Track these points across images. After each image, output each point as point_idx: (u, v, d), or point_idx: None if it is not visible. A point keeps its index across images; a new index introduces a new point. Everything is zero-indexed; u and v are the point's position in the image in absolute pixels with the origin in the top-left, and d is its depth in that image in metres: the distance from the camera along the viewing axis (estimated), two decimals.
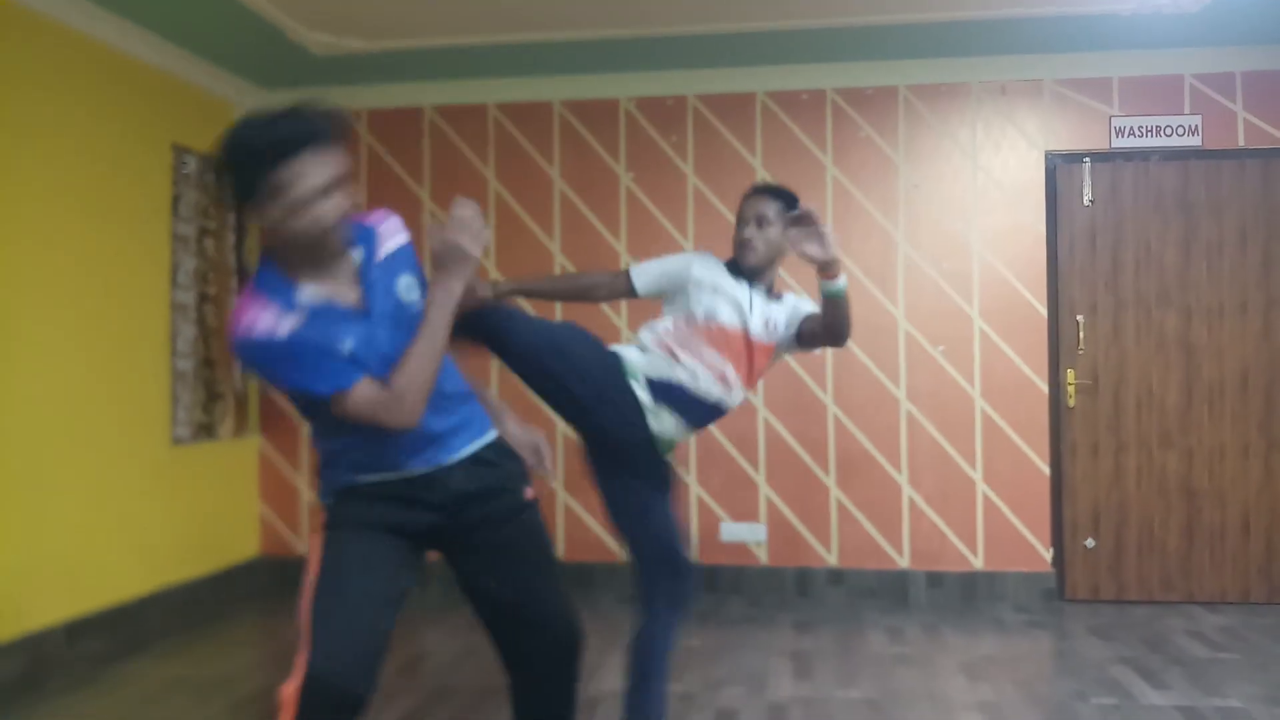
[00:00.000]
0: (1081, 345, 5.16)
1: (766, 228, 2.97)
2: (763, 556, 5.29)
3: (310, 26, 4.69)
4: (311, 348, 2.07)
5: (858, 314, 5.19)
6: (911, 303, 5.22)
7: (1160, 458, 5.12)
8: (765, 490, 5.28)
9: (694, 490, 5.32)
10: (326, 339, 2.07)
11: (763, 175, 5.32)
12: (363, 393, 2.08)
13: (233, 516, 5.42)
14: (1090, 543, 5.12)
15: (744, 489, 5.30)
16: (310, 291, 2.10)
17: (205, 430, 5.12)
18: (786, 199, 3.01)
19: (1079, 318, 5.16)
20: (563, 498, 5.34)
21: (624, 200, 5.42)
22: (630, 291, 3.02)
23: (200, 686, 3.92)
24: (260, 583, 5.47)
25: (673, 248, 5.36)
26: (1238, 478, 5.07)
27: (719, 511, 5.32)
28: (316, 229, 2.05)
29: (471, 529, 2.32)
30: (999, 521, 5.13)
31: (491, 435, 2.37)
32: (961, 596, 5.12)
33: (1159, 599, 5.08)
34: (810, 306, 3.07)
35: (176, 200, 4.92)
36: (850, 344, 5.19)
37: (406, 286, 2.21)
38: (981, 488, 5.15)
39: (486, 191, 5.49)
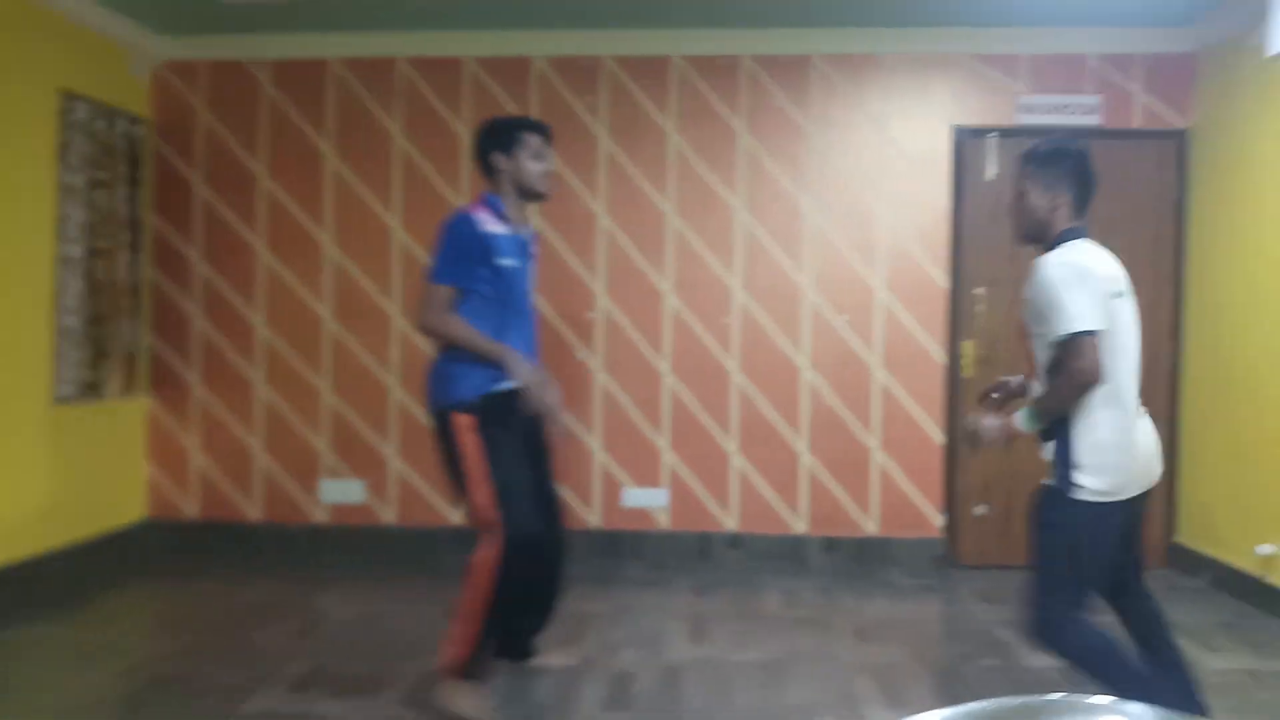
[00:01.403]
0: (980, 317, 5.27)
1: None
2: (664, 521, 5.32)
3: None
4: (486, 247, 3.20)
5: (765, 283, 5.25)
6: (817, 271, 5.27)
7: None
8: (668, 456, 5.31)
9: (598, 456, 5.32)
10: (504, 250, 3.24)
11: (676, 139, 5.30)
12: (445, 295, 3.20)
13: (119, 478, 5.25)
14: (980, 510, 5.26)
15: (647, 455, 5.31)
16: (513, 223, 3.32)
17: (91, 389, 4.94)
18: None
19: (978, 290, 5.27)
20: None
21: None
22: None
23: (83, 653, 3.80)
24: (148, 547, 5.32)
25: (585, 211, 5.32)
26: None
27: (622, 477, 5.33)
28: (539, 188, 3.35)
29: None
30: (894, 489, 5.24)
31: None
32: (856, 561, 5.23)
33: None
34: None
35: (64, 149, 4.70)
36: (755, 311, 5.25)
37: (534, 265, 3.47)
38: (878, 455, 5.25)
39: (391, 148, 5.37)
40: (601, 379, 5.33)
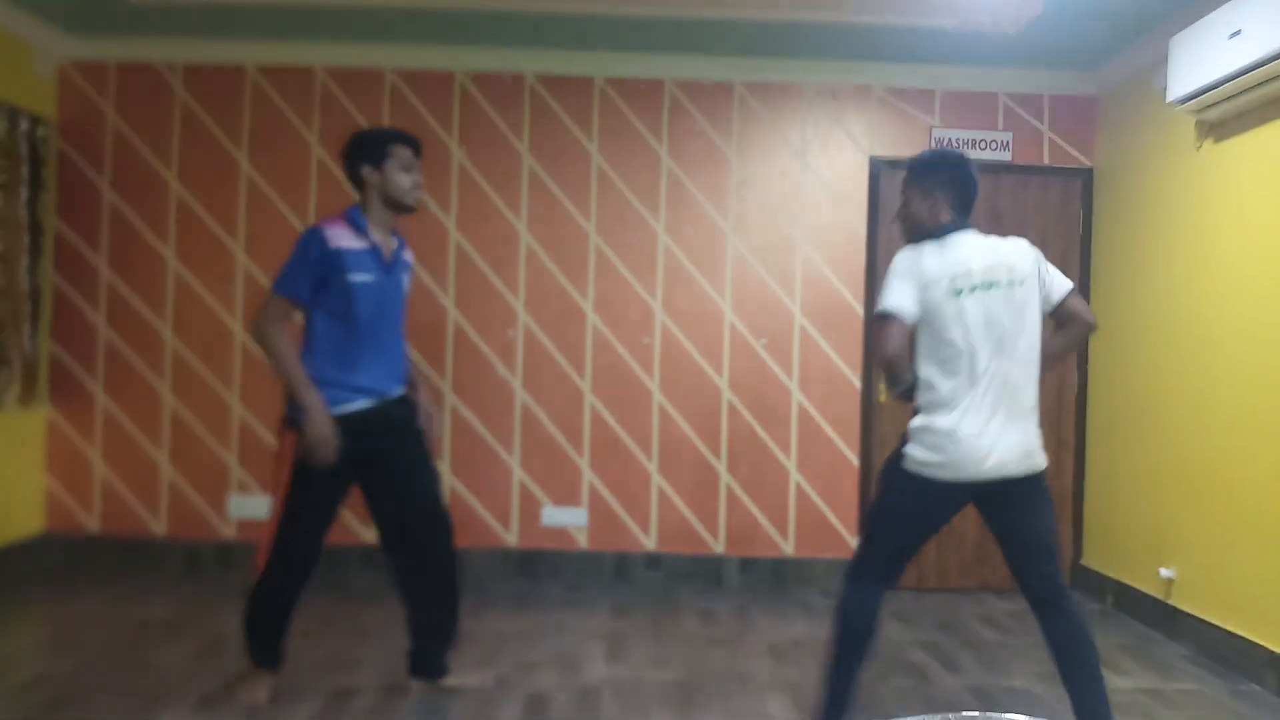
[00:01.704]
0: None
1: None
2: (583, 541, 5.30)
3: None
4: (331, 264, 3.16)
5: (686, 305, 5.29)
6: (737, 295, 5.33)
7: None
8: (588, 475, 5.29)
9: (516, 474, 5.28)
10: (354, 266, 3.19)
11: (598, 161, 5.32)
12: (284, 309, 3.23)
13: (15, 491, 5.03)
14: None
15: (567, 474, 5.29)
16: (374, 235, 3.27)
17: None
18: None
19: None
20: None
21: (455, 176, 5.31)
22: None
23: None
24: (46, 562, 5.10)
25: (503, 227, 5.30)
26: None
27: (541, 496, 5.29)
28: (407, 200, 3.30)
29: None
30: (810, 510, 5.31)
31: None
32: (772, 581, 5.28)
33: (955, 586, 5.36)
34: None
35: None
36: (676, 333, 5.28)
37: (406, 281, 3.43)
38: (795, 477, 5.31)
39: (309, 158, 5.28)
40: (521, 396, 5.30)
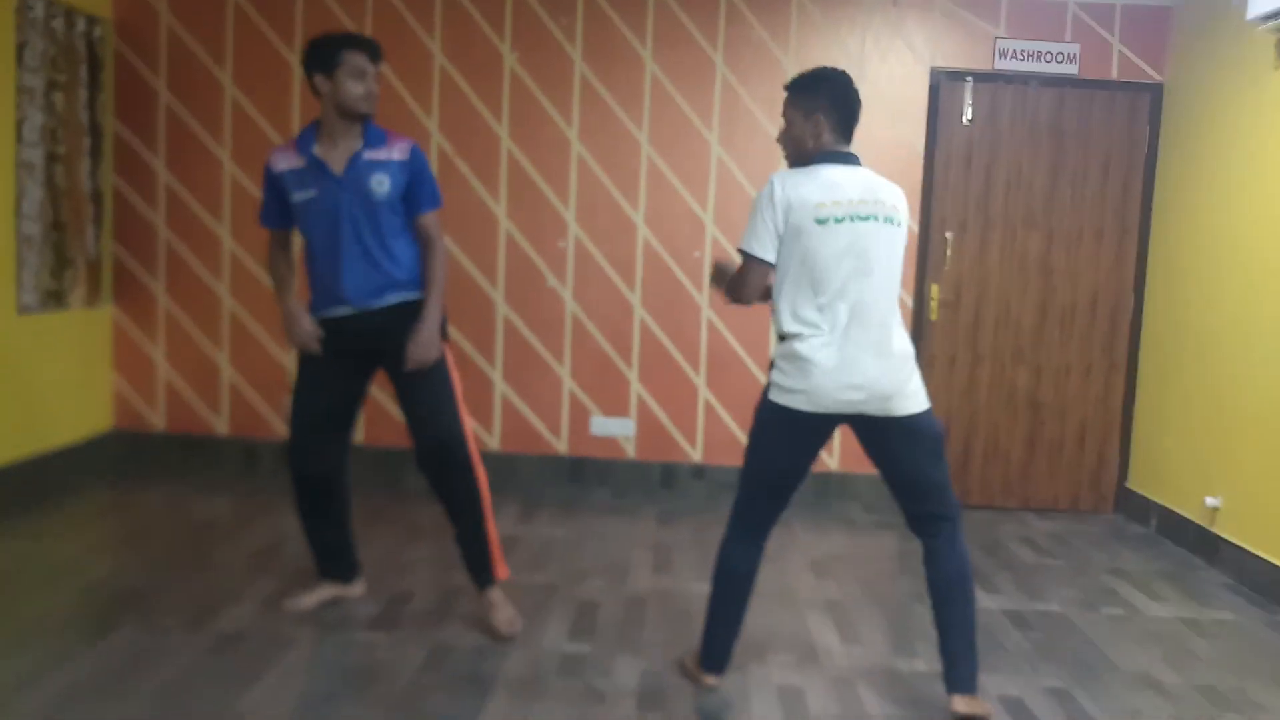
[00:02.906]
0: (948, 262, 5.33)
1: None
2: (630, 450, 5.39)
3: None
4: (277, 188, 3.24)
5: (739, 218, 5.24)
6: None
7: (1011, 372, 5.38)
8: (636, 387, 5.36)
9: (566, 384, 5.35)
10: (295, 185, 3.19)
11: (652, 68, 5.24)
12: (275, 239, 3.36)
13: (84, 388, 5.20)
14: None
15: (616, 385, 5.36)
16: (318, 149, 3.19)
17: (54, 298, 4.86)
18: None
19: (948, 235, 5.31)
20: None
21: (507, 82, 5.26)
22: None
23: (49, 567, 3.81)
24: (114, 457, 5.29)
25: (556, 136, 5.26)
26: (1079, 394, 5.39)
27: (590, 405, 5.37)
28: (359, 109, 3.16)
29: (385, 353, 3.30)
30: None
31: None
32: (815, 495, 5.34)
33: (998, 504, 5.41)
34: None
35: (22, 48, 4.55)
36: (727, 247, 5.26)
37: (378, 182, 3.18)
38: None
39: None
40: (571, 307, 5.34)
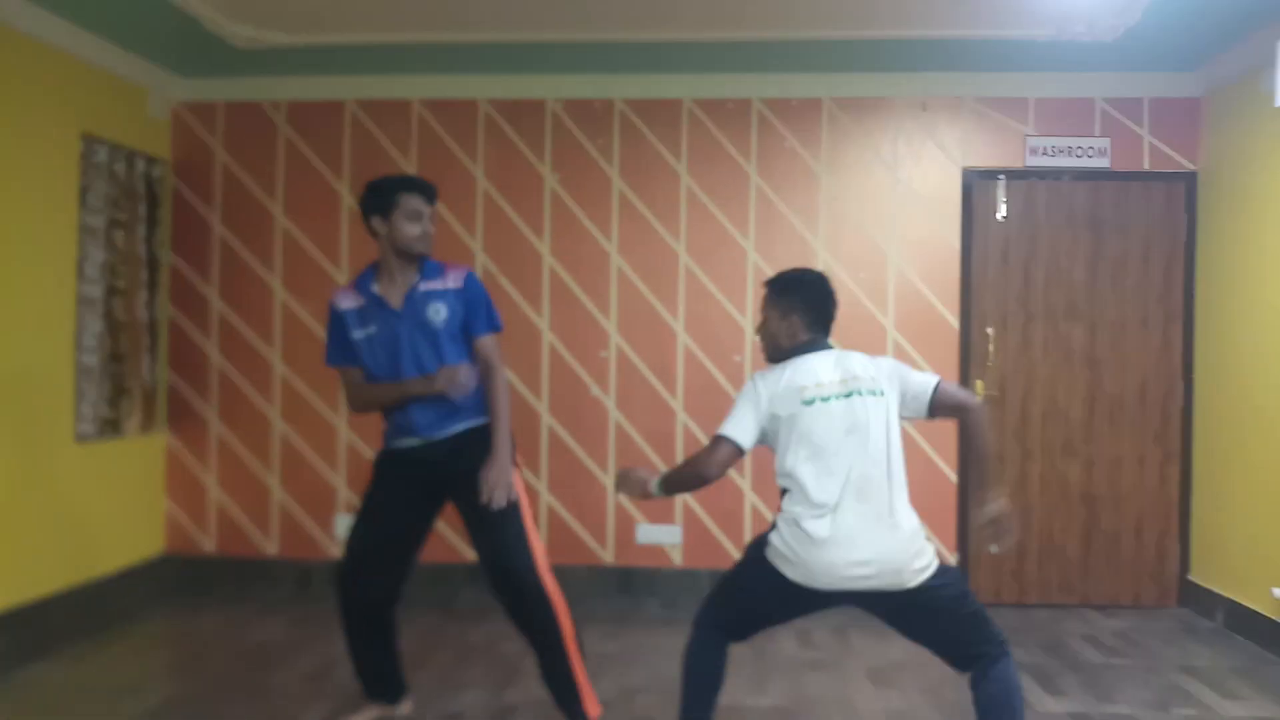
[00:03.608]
0: (991, 357, 5.31)
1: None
2: (677, 558, 5.35)
3: (231, 19, 4.58)
4: (341, 325, 3.33)
5: None
6: None
7: (1062, 466, 5.30)
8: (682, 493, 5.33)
9: (611, 493, 5.35)
10: (356, 324, 3.29)
11: (687, 182, 5.37)
12: (346, 376, 3.40)
13: (138, 514, 5.29)
14: (994, 548, 5.26)
15: None
16: (377, 287, 3.31)
17: (111, 426, 4.98)
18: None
19: (989, 330, 5.31)
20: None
21: (548, 201, 5.41)
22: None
23: (107, 692, 3.84)
24: (166, 582, 5.35)
25: (596, 251, 5.38)
26: (1134, 486, 5.29)
27: (635, 514, 5.36)
28: (415, 249, 3.26)
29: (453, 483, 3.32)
30: None
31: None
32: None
33: (1057, 602, 5.27)
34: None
35: (85, 191, 4.77)
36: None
37: (435, 310, 3.26)
38: None
39: None
40: (615, 415, 5.37)
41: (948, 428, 5.25)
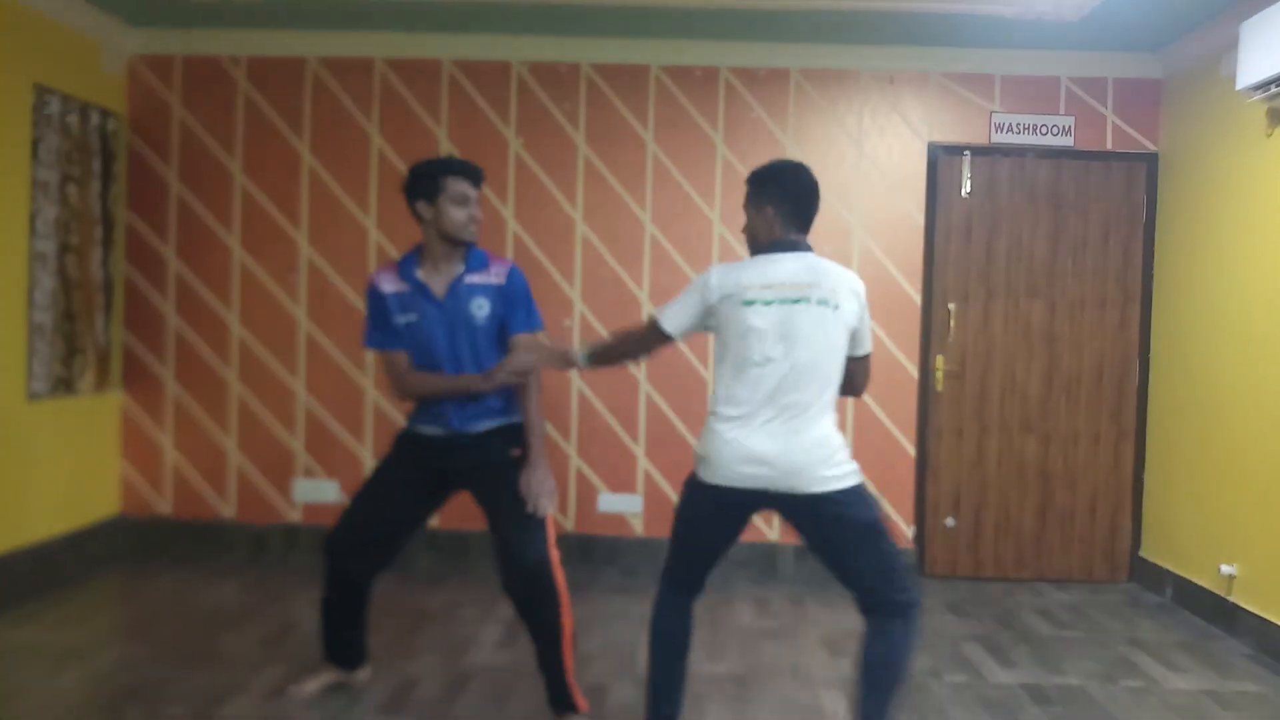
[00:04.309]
0: (952, 333, 5.34)
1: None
2: (638, 527, 5.36)
3: None
4: (383, 309, 3.22)
5: None
6: None
7: (1020, 442, 5.36)
8: (644, 463, 5.34)
9: (573, 462, 5.35)
10: (398, 309, 3.19)
11: (654, 149, 5.33)
12: (390, 360, 3.25)
13: (92, 474, 5.21)
14: (950, 521, 5.34)
15: (623, 461, 5.35)
16: (421, 273, 3.21)
17: (64, 385, 4.90)
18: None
19: (951, 306, 5.34)
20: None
21: (512, 165, 5.36)
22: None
23: (52, 655, 3.78)
24: (120, 544, 5.28)
25: (559, 216, 5.34)
26: (1089, 463, 5.36)
27: (597, 483, 5.36)
28: (462, 235, 3.17)
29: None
30: None
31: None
32: (827, 570, 5.28)
33: (1012, 576, 5.34)
34: None
35: (37, 144, 4.65)
36: None
37: (478, 306, 3.19)
38: None
39: (369, 149, 5.35)
40: (577, 384, 5.36)
41: (908, 399, 5.30)
